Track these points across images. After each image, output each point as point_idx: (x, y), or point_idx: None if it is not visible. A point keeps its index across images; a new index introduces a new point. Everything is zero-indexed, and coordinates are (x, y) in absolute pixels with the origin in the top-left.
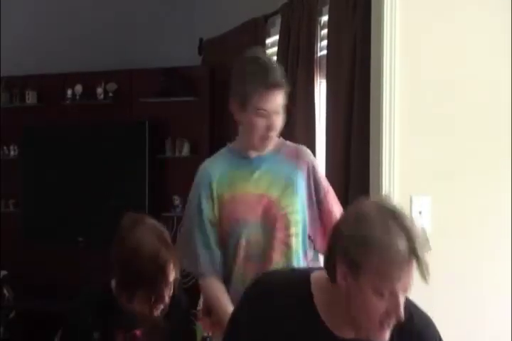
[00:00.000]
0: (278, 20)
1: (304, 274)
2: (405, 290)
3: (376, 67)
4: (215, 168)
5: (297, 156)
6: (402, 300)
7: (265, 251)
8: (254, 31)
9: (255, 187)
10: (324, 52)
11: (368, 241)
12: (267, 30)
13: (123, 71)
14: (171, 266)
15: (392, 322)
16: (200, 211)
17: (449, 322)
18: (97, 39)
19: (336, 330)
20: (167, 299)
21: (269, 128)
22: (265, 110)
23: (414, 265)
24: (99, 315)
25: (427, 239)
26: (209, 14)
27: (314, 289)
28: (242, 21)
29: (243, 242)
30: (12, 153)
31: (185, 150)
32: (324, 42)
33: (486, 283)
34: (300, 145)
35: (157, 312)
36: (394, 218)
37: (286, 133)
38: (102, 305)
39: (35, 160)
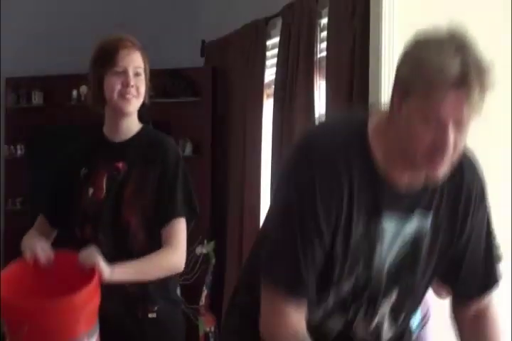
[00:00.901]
0: (279, 23)
1: (360, 123)
2: (457, 122)
3: (375, 68)
4: None
5: None
6: (451, 132)
7: None
8: (255, 33)
9: None
10: (324, 53)
11: (418, 62)
12: (268, 32)
13: None
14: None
15: (442, 157)
16: None
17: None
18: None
19: (393, 181)
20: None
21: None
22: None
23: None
24: (86, 151)
25: (491, 73)
26: (211, 16)
27: (372, 137)
28: (244, 23)
29: None
30: (19, 152)
31: (188, 150)
32: (324, 44)
33: None
34: None
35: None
36: (453, 42)
37: (286, 133)
38: (88, 138)
39: (42, 160)
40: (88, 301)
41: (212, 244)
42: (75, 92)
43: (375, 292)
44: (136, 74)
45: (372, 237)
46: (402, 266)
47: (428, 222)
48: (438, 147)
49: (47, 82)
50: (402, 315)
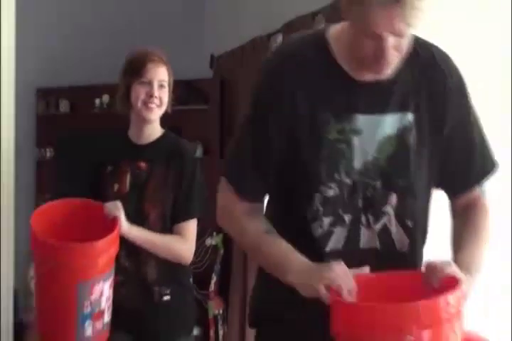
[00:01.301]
0: (279, 38)
1: (320, 31)
2: (395, 33)
3: None
4: None
5: None
6: (389, 44)
7: None
8: (258, 48)
9: None
10: None
11: None
12: (270, 47)
13: None
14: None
15: (385, 63)
16: None
17: None
18: (121, 54)
19: (354, 74)
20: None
21: None
22: None
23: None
24: (112, 151)
25: None
26: (220, 33)
27: (331, 38)
28: (248, 39)
29: None
30: (48, 154)
31: (199, 151)
32: None
33: None
34: None
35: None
36: None
37: None
38: (115, 140)
39: (71, 162)
40: (107, 249)
41: (220, 236)
42: (97, 101)
43: (370, 199)
44: (161, 86)
45: (346, 136)
46: (394, 169)
47: (409, 119)
48: (379, 57)
49: (72, 92)
50: (409, 221)
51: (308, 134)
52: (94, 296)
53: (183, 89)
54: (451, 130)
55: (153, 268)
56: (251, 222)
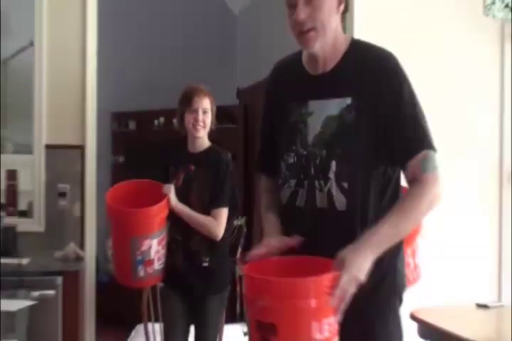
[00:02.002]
0: None
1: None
2: (306, 1)
3: None
4: None
5: None
6: (300, 11)
7: None
8: None
9: None
10: None
11: None
12: None
13: None
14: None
15: (305, 34)
16: None
17: None
18: (173, 87)
19: (310, 70)
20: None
21: None
22: None
23: None
24: (174, 157)
25: None
26: (243, 71)
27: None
28: (265, 76)
29: None
30: (120, 159)
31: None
32: None
33: None
34: None
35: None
36: None
37: None
38: (178, 150)
39: (136, 164)
40: (159, 213)
41: (244, 218)
42: (156, 121)
43: (319, 166)
44: (204, 112)
45: (303, 117)
46: (334, 141)
47: (348, 103)
48: (295, 25)
49: (138, 115)
50: (345, 183)
51: (279, 119)
52: (143, 248)
53: (218, 113)
54: (385, 111)
55: (197, 241)
56: (265, 198)
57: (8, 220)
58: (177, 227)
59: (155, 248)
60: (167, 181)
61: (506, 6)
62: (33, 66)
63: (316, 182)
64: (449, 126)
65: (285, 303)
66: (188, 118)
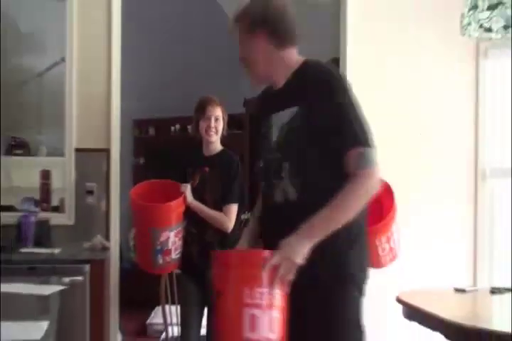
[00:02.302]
0: None
1: None
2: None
3: None
4: None
5: None
6: (240, 55)
7: None
8: None
9: None
10: None
11: None
12: None
13: None
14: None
15: (248, 72)
16: None
17: None
18: (187, 98)
19: (274, 87)
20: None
21: None
22: None
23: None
24: (191, 159)
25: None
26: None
27: None
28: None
29: None
30: (141, 161)
31: None
32: None
33: None
34: None
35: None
36: None
37: None
38: (194, 153)
39: (155, 166)
40: (176, 208)
41: (250, 213)
42: (172, 128)
43: (277, 166)
44: (216, 120)
45: (268, 129)
46: (286, 145)
47: (295, 112)
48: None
49: (156, 122)
50: (295, 179)
51: (255, 132)
52: (162, 239)
53: (228, 120)
54: (324, 116)
55: (211, 234)
56: (257, 202)
57: (43, 215)
58: (193, 222)
59: (172, 239)
60: (184, 181)
61: (480, 26)
62: (65, 79)
63: (275, 181)
64: (430, 129)
65: (225, 272)
66: (202, 125)
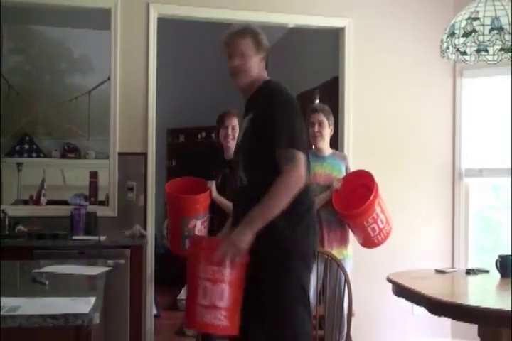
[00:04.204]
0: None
1: None
2: (238, 54)
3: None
4: None
5: (343, 157)
6: (232, 62)
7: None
8: (304, 100)
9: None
10: None
11: None
12: (313, 99)
13: None
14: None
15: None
16: None
17: None
18: (211, 110)
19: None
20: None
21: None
22: None
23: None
24: (216, 162)
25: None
26: None
27: None
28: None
29: None
30: (173, 164)
31: None
32: None
33: None
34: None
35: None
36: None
37: None
38: (217, 157)
39: (185, 167)
40: (203, 201)
41: None
42: (199, 135)
43: (237, 159)
44: (233, 129)
45: (241, 130)
46: (242, 144)
47: (250, 117)
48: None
49: (186, 130)
50: (248, 173)
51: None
52: (189, 226)
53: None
54: (265, 121)
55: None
56: None
57: (91, 208)
58: (216, 213)
59: (198, 227)
60: (210, 179)
61: (457, 50)
62: (110, 95)
63: (238, 171)
64: (414, 137)
65: (195, 252)
66: (221, 133)
